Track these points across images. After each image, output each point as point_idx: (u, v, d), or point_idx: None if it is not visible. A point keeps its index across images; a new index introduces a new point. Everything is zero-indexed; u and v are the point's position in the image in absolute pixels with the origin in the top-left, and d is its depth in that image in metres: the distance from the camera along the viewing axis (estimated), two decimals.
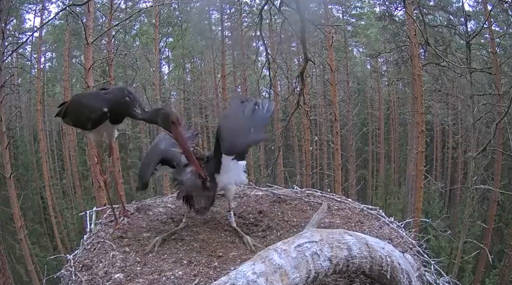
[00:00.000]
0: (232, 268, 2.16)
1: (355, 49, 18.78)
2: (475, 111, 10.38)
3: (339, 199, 3.38)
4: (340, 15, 16.78)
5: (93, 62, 9.37)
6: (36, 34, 13.78)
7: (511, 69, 13.18)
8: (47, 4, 13.84)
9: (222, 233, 2.86)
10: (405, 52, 13.57)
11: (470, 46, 10.57)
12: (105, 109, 2.63)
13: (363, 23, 17.54)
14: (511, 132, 9.54)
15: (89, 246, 2.62)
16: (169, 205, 3.41)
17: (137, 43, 15.58)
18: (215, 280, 1.88)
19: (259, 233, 2.86)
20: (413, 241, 2.72)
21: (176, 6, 15.34)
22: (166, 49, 16.95)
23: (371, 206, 3.20)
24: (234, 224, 2.85)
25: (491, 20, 11.66)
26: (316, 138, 16.12)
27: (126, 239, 2.73)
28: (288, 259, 1.81)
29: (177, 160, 2.78)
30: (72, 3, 8.32)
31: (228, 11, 16.30)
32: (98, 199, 9.04)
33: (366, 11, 17.24)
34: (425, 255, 2.63)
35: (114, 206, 3.29)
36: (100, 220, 3.08)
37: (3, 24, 9.62)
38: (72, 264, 2.43)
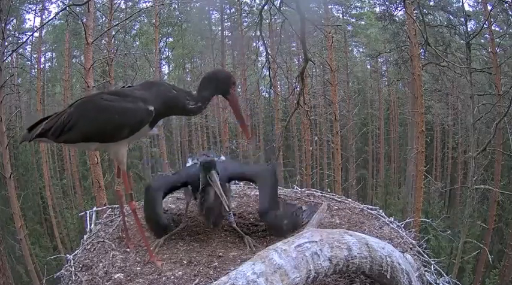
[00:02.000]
0: (232, 268, 2.17)
1: (355, 49, 18.75)
2: (475, 111, 10.37)
3: (339, 199, 3.39)
4: (340, 15, 16.77)
5: (93, 62, 9.36)
6: (36, 34, 13.77)
7: (511, 69, 13.17)
8: (47, 4, 13.83)
9: (222, 233, 2.87)
10: (405, 52, 13.56)
11: (470, 46, 10.56)
12: (151, 108, 2.15)
13: (363, 23, 17.52)
14: (511, 132, 9.53)
15: (89, 246, 2.63)
16: (170, 205, 3.41)
17: (137, 43, 15.58)
18: (215, 280, 1.88)
19: (259, 233, 2.86)
20: (413, 241, 2.72)
21: (176, 6, 15.34)
22: (166, 49, 16.95)
23: (371, 206, 3.21)
24: (234, 224, 2.85)
25: (491, 20, 11.65)
26: (316, 138, 16.12)
27: (126, 239, 2.73)
28: (288, 259, 1.81)
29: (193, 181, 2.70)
30: (72, 3, 8.31)
31: (228, 11, 16.30)
32: (98, 199, 9.03)
33: (366, 11, 17.23)
34: (425, 255, 2.64)
35: (113, 206, 3.30)
36: (100, 220, 3.08)
37: (3, 24, 9.60)
38: (72, 264, 2.43)
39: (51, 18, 14.01)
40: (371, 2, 16.40)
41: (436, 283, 2.49)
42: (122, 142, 2.25)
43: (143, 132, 2.24)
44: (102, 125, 2.17)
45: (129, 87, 2.36)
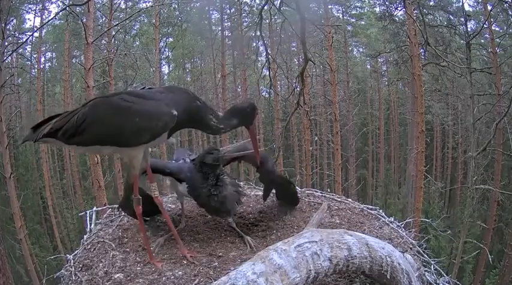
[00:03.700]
0: (232, 268, 2.17)
1: (355, 50, 18.76)
2: (475, 111, 10.37)
3: (339, 199, 3.39)
4: (340, 15, 16.77)
5: (93, 62, 9.35)
6: (36, 34, 13.77)
7: (511, 69, 13.17)
8: (47, 4, 13.82)
9: (222, 233, 2.87)
10: (405, 52, 13.56)
11: (470, 46, 10.55)
12: (175, 113, 1.98)
13: (363, 23, 17.53)
14: (511, 132, 9.53)
15: (89, 246, 2.63)
16: (170, 205, 3.41)
17: (137, 43, 15.58)
18: (215, 280, 1.88)
19: (259, 233, 2.86)
20: (413, 241, 2.73)
21: (176, 6, 15.34)
22: (166, 49, 16.95)
23: (371, 206, 3.21)
24: (234, 224, 2.85)
25: (491, 20, 11.65)
26: (316, 138, 16.12)
27: (126, 239, 2.73)
28: (288, 259, 1.81)
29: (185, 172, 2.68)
30: (72, 3, 8.30)
31: (228, 11, 16.30)
32: (97, 199, 9.03)
33: (366, 11, 17.23)
34: (425, 255, 2.64)
35: (113, 206, 3.29)
36: (100, 220, 3.08)
37: (3, 24, 9.59)
38: (72, 264, 2.44)
39: (51, 18, 14.00)
40: (371, 2, 16.41)
41: (436, 283, 2.49)
42: (140, 147, 2.07)
43: (162, 139, 2.07)
44: (121, 128, 1.98)
45: (150, 89, 2.18)
